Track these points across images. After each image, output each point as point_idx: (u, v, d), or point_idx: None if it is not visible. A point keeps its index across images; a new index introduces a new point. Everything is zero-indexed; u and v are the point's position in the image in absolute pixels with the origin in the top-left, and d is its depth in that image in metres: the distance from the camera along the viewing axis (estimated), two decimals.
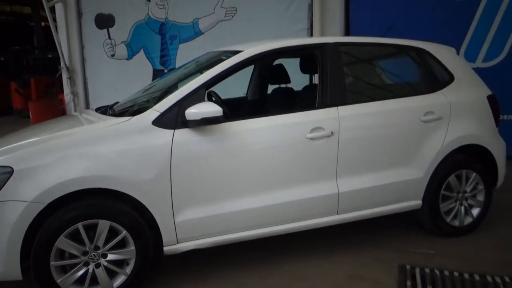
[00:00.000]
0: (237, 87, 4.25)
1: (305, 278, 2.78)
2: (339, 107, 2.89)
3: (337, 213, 2.94)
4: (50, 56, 11.23)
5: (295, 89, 3.77)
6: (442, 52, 3.37)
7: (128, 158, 2.43)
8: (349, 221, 3.01)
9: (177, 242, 2.58)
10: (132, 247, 2.46)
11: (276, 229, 2.79)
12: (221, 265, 2.96)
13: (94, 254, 2.41)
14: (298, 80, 3.79)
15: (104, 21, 7.34)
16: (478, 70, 4.95)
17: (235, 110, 3.32)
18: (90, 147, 2.40)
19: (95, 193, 2.40)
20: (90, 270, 2.42)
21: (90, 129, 2.60)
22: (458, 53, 5.09)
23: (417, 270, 2.81)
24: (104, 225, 2.39)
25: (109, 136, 2.45)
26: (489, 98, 3.38)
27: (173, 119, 2.53)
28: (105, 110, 3.03)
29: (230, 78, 3.17)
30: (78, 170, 2.33)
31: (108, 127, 2.51)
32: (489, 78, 4.20)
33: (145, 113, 2.56)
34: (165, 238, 2.54)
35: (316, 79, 3.23)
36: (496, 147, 3.35)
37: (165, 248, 2.57)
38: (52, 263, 2.33)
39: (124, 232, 2.43)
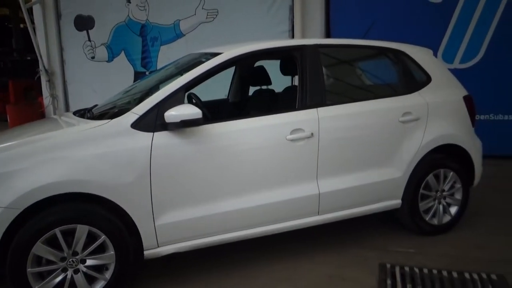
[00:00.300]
0: (221, 89, 4.26)
1: (287, 278, 2.79)
2: (319, 109, 2.91)
3: (318, 214, 2.96)
4: (29, 58, 11.04)
5: (277, 90, 3.78)
6: (419, 54, 3.43)
7: (107, 162, 2.40)
8: (330, 221, 3.03)
9: (158, 246, 2.56)
10: (111, 252, 2.43)
11: (257, 230, 2.79)
12: (203, 267, 2.95)
13: (72, 260, 2.37)
14: (280, 82, 3.80)
15: (84, 23, 7.25)
16: (455, 71, 5.07)
17: (216, 112, 3.31)
18: (66, 151, 2.36)
19: (73, 198, 2.36)
20: (69, 276, 2.37)
21: (66, 132, 2.56)
22: (436, 55, 5.20)
23: (397, 269, 2.85)
24: (82, 230, 2.35)
25: (86, 140, 2.42)
26: (465, 98, 3.45)
27: (152, 122, 2.51)
28: (83, 113, 2.99)
29: (213, 80, 3.17)
30: (54, 175, 2.29)
31: (85, 131, 2.48)
32: (466, 79, 4.29)
33: (123, 116, 2.53)
34: (145, 242, 2.52)
35: (296, 80, 3.24)
36: (473, 147, 3.42)
37: (145, 252, 2.54)
38: (29, 269, 2.27)
39: (103, 237, 2.40)
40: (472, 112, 3.47)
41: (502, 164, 5.31)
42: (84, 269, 2.40)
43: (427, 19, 5.63)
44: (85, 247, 2.38)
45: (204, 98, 3.88)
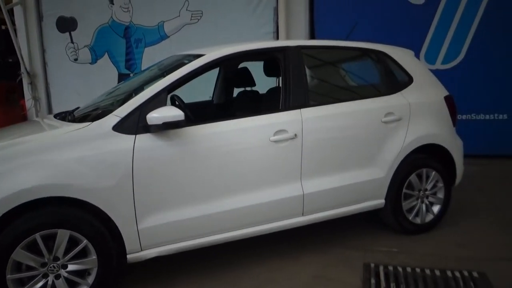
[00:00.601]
0: (207, 90, 4.25)
1: (272, 280, 2.79)
2: (302, 110, 2.92)
3: (303, 215, 2.97)
4: (10, 60, 10.82)
5: (262, 92, 3.78)
6: (400, 55, 3.46)
7: (88, 165, 2.37)
8: (314, 222, 3.04)
9: (141, 250, 2.53)
10: (93, 256, 2.40)
11: (242, 232, 2.79)
12: (187, 270, 2.93)
13: (53, 265, 2.33)
14: (265, 83, 3.81)
15: (66, 25, 7.15)
16: (437, 72, 5.14)
17: (200, 114, 3.29)
18: (46, 155, 2.32)
19: (53, 202, 2.32)
20: (50, 282, 2.33)
21: (47, 136, 2.52)
22: (418, 56, 5.27)
23: (381, 268, 2.88)
24: (63, 235, 2.31)
25: (66, 143, 2.38)
26: (446, 98, 3.50)
27: (134, 124, 2.49)
28: (64, 116, 2.95)
29: (199, 82, 3.16)
30: (34, 179, 2.25)
31: (66, 134, 2.44)
32: (448, 79, 4.36)
33: (104, 118, 2.50)
34: (128, 246, 2.49)
35: (281, 82, 3.25)
36: (454, 146, 3.47)
37: (128, 256, 2.51)
38: (8, 276, 2.23)
39: (85, 241, 2.36)
40: (453, 112, 3.52)
41: (484, 163, 5.39)
42: (66, 275, 2.36)
43: (409, 20, 5.70)
44: (66, 252, 2.35)
45: (191, 99, 3.89)
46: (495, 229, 3.48)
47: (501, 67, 5.53)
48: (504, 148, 5.65)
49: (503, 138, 5.62)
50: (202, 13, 6.48)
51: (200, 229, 2.66)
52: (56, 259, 2.34)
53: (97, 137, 2.43)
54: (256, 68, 3.69)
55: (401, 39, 5.03)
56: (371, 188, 3.18)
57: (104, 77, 6.95)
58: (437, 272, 2.80)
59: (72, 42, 7.15)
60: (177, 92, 3.26)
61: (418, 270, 2.84)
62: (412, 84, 3.40)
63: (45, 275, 2.33)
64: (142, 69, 6.67)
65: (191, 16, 6.52)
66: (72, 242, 2.36)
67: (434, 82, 3.58)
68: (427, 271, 2.82)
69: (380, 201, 3.24)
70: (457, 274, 2.77)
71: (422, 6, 5.67)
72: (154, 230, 2.52)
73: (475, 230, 3.47)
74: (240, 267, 2.96)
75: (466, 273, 2.77)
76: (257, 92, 3.77)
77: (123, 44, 6.92)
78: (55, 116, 3.03)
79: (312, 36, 6.12)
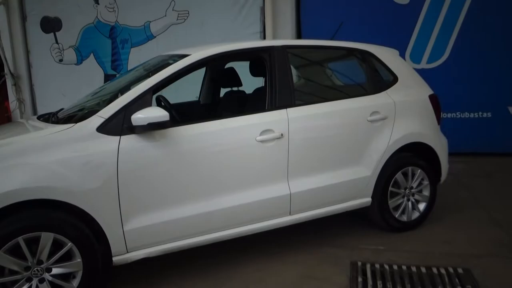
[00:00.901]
0: (195, 91, 4.23)
1: (260, 280, 2.79)
2: (288, 109, 2.93)
3: (290, 214, 2.97)
4: None
5: (249, 92, 3.78)
6: (385, 54, 3.49)
7: (72, 167, 2.34)
8: (301, 221, 3.05)
9: (127, 252, 2.51)
10: (78, 259, 2.37)
11: (229, 232, 2.78)
12: (174, 272, 2.91)
13: (37, 269, 2.29)
14: (253, 83, 3.80)
15: (51, 25, 7.06)
16: (423, 71, 5.21)
17: (186, 114, 3.28)
18: (30, 157, 2.29)
19: (37, 205, 2.28)
20: (34, 286, 2.30)
21: (29, 137, 2.48)
22: (404, 55, 5.32)
23: (368, 266, 2.89)
24: (47, 238, 2.28)
25: (50, 145, 2.35)
26: (431, 97, 3.54)
27: (119, 125, 2.46)
28: (48, 118, 2.91)
29: (187, 82, 3.14)
30: (16, 182, 2.21)
31: (49, 135, 2.40)
32: (433, 78, 4.42)
33: (88, 119, 2.47)
34: (114, 248, 2.46)
35: None
36: (439, 144, 3.51)
37: (114, 259, 2.49)
38: None
39: (70, 244, 2.33)
40: (437, 110, 3.56)
41: (468, 161, 5.48)
42: (50, 278, 2.33)
43: (395, 20, 5.76)
44: (50, 255, 2.31)
45: (179, 100, 3.88)
46: (480, 225, 3.53)
47: (484, 66, 5.62)
48: (488, 145, 5.74)
49: (487, 136, 5.72)
50: (188, 13, 6.45)
51: (187, 230, 2.64)
52: (40, 262, 2.30)
53: (81, 139, 2.40)
54: (243, 68, 3.69)
55: (387, 38, 5.07)
56: (358, 187, 3.20)
57: (89, 78, 6.88)
58: (423, 269, 2.82)
59: (56, 42, 7.06)
60: (165, 92, 3.25)
61: (404, 267, 2.86)
62: (397, 83, 3.43)
63: (29, 279, 2.29)
64: (128, 69, 6.62)
65: (178, 16, 6.49)
66: (56, 245, 2.32)
67: (418, 81, 3.61)
68: (413, 268, 2.84)
69: (366, 200, 3.26)
70: (443, 270, 2.80)
71: (407, 6, 5.74)
72: (140, 231, 2.50)
73: (460, 227, 3.51)
74: (228, 267, 2.95)
75: (451, 270, 2.81)
76: (243, 92, 3.77)
77: (109, 44, 6.86)
78: (39, 118, 2.99)
79: (299, 36, 6.14)
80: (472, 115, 5.75)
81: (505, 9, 5.45)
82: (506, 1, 5.45)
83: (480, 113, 5.73)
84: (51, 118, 2.84)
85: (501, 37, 5.51)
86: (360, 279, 2.72)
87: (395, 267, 2.87)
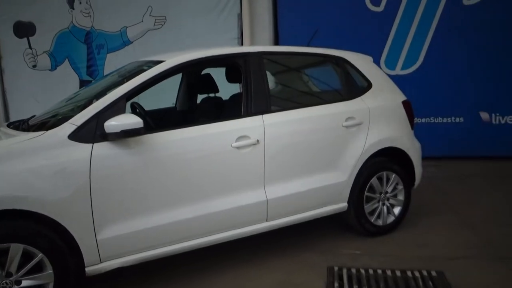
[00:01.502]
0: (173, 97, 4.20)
1: (238, 287, 2.77)
2: (264, 115, 2.93)
3: (267, 220, 2.97)
4: None
5: (226, 98, 3.77)
6: (360, 60, 3.55)
7: (43, 176, 2.28)
8: (279, 227, 3.05)
9: (101, 261, 2.46)
10: (49, 271, 2.30)
11: (205, 240, 2.76)
12: (150, 281, 2.87)
13: (6, 282, 2.22)
14: (231, 89, 3.80)
15: (24, 30, 6.90)
16: (397, 77, 5.31)
17: (162, 121, 3.26)
18: None
19: (5, 215, 2.21)
20: None
21: None
22: (379, 62, 5.40)
23: (344, 271, 2.91)
24: (16, 249, 2.21)
25: (19, 153, 2.28)
26: (404, 103, 3.61)
27: (91, 133, 2.42)
28: (18, 125, 2.83)
29: (164, 89, 3.10)
30: None
31: (18, 143, 2.34)
32: (408, 84, 4.52)
33: (60, 127, 2.42)
34: (86, 258, 2.41)
35: None
36: (412, 149, 3.57)
37: (87, 269, 2.43)
38: None
39: (40, 255, 2.26)
40: (410, 116, 3.63)
41: (441, 165, 5.59)
42: None
43: (370, 27, 5.86)
44: (20, 267, 2.24)
45: (157, 106, 3.83)
46: (453, 228, 3.60)
47: (457, 72, 5.77)
48: (460, 149, 5.88)
49: (459, 140, 5.86)
50: (165, 19, 6.42)
51: (162, 238, 2.61)
52: (9, 275, 2.22)
53: (52, 147, 2.34)
54: (221, 74, 3.68)
55: (362, 45, 5.16)
56: (334, 192, 3.23)
57: (64, 84, 6.74)
58: (398, 273, 2.86)
59: (30, 47, 6.91)
60: (143, 99, 3.20)
61: (380, 271, 2.90)
62: (371, 89, 3.48)
63: None
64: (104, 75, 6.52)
65: (155, 22, 6.45)
66: (27, 256, 2.25)
67: (391, 87, 3.68)
68: (389, 272, 2.88)
69: (343, 205, 3.29)
70: (417, 274, 2.85)
71: (382, 13, 5.85)
72: (113, 240, 2.45)
73: (434, 230, 3.58)
74: (207, 274, 2.92)
75: (425, 273, 2.85)
76: (220, 98, 3.76)
77: (84, 49, 6.75)
78: (9, 125, 2.91)
79: (277, 41, 6.18)
80: (444, 120, 5.89)
81: (477, 17, 5.62)
82: (478, 9, 5.61)
83: (452, 118, 5.87)
84: (21, 125, 2.77)
85: (473, 44, 5.68)
86: (336, 284, 2.74)
87: (371, 271, 2.90)
